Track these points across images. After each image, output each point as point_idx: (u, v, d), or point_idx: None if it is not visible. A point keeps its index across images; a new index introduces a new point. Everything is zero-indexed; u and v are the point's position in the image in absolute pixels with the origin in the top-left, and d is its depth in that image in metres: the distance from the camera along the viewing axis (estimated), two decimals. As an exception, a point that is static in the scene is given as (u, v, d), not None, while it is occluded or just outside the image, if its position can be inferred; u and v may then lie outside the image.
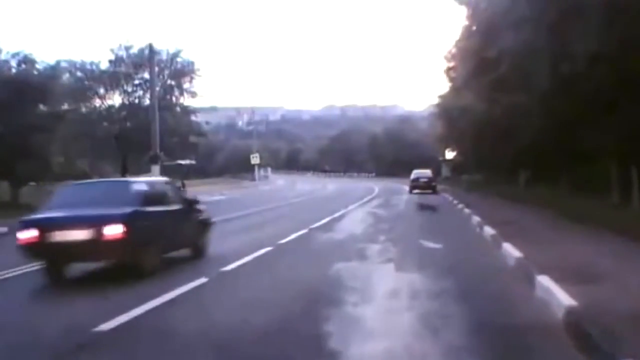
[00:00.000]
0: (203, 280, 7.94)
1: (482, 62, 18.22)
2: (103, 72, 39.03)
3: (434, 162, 55.48)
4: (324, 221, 16.85)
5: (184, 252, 10.07)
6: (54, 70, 29.49)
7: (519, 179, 30.00)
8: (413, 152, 73.84)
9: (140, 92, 39.29)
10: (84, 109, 38.18)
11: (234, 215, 19.74)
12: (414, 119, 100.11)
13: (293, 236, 12.96)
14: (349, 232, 14.16)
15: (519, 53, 13.55)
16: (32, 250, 8.36)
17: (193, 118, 41.73)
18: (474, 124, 25.46)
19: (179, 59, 40.08)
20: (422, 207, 23.81)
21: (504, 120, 19.80)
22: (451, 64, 32.00)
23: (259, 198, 33.74)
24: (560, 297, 5.82)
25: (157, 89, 37.92)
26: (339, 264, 9.08)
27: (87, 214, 8.24)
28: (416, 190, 36.35)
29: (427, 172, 39.20)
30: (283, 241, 12.07)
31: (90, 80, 38.50)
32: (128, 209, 8.33)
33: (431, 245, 11.34)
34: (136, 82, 38.95)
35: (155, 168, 34.25)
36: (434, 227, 15.58)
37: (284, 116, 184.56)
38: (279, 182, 70.95)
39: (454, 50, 24.74)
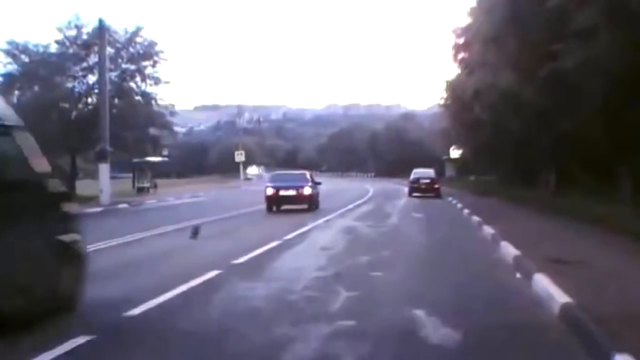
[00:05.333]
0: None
1: (518, 7, 12.22)
2: (50, 54, 33.12)
3: (437, 162, 51.21)
4: (268, 247, 10.84)
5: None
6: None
7: (547, 180, 23.68)
8: (415, 150, 70.23)
9: (93, 78, 33.20)
10: (15, 95, 31.98)
11: (157, 232, 14.02)
12: (417, 118, 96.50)
13: (171, 293, 6.71)
14: (291, 278, 7.85)
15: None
16: (270, 198, 20.70)
17: (156, 108, 35.37)
18: (493, 107, 19.15)
19: (138, 39, 33.79)
20: (422, 220, 17.69)
21: (542, 96, 13.62)
22: (461, 40, 26.30)
23: (227, 202, 27.64)
24: None
25: (113, 73, 32.25)
26: None
27: (294, 184, 21.15)
28: (416, 194, 30.72)
29: (430, 172, 33.60)
30: (134, 312, 5.87)
31: (35, 64, 32.51)
32: (310, 183, 21.61)
33: (439, 334, 5.18)
34: (86, 65, 32.86)
35: (104, 167, 28.24)
36: (440, 267, 9.16)
37: (286, 114, 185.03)
38: (269, 182, 64.89)
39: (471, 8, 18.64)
